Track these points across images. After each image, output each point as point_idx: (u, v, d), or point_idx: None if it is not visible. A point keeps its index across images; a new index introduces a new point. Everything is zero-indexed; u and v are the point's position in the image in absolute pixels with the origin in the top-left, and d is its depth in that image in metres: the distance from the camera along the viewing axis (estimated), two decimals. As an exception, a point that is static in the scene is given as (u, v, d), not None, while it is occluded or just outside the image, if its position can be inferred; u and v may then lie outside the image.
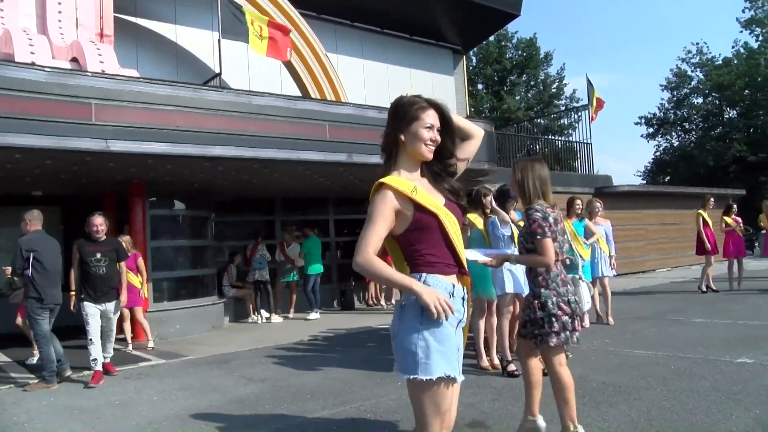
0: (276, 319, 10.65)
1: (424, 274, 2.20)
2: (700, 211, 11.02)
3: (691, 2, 69.91)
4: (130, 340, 8.17)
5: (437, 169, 2.34)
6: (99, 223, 6.46)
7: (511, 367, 5.42)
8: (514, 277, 5.53)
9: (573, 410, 3.45)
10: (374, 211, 2.17)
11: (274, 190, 11.49)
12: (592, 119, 18.64)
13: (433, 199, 2.24)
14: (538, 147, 22.41)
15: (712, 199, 11.20)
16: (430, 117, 2.27)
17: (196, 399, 5.26)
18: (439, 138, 2.28)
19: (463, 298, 2.25)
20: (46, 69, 6.86)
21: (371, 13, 15.13)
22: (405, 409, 4.46)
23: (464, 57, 18.54)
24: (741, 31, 37.25)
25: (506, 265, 5.41)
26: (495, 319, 5.85)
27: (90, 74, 7.24)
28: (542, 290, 3.48)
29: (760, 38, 35.07)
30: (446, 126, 2.31)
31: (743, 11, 35.70)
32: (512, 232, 5.71)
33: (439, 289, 2.13)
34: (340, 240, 13.15)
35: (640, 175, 41.89)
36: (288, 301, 11.30)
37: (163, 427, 4.43)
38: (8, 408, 5.25)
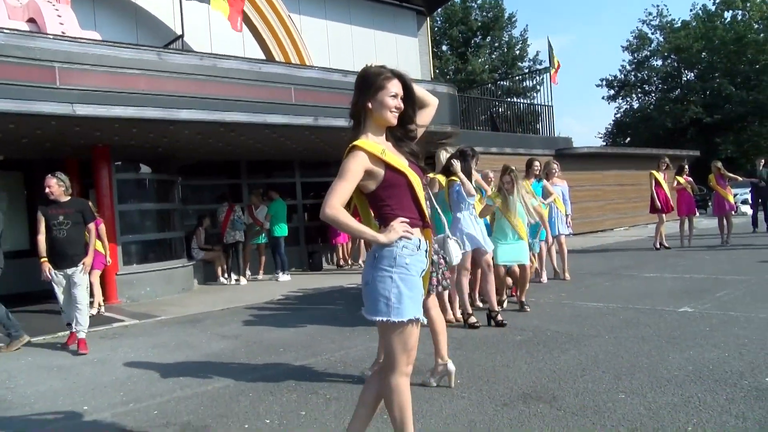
0: (244, 281, 10.85)
1: None
2: (653, 171, 11.54)
3: (653, -37, 70.26)
4: (99, 304, 8.20)
5: (399, 134, 2.56)
6: (50, 184, 5.88)
7: (472, 320, 5.76)
8: (469, 237, 5.79)
9: (441, 348, 4.01)
10: (346, 168, 2.37)
11: (240, 153, 11.55)
12: (553, 81, 18.97)
13: (399, 160, 2.48)
14: (501, 109, 22.73)
15: (666, 160, 11.70)
16: (395, 86, 2.47)
17: (172, 355, 5.48)
18: (402, 105, 2.50)
19: (425, 251, 2.50)
20: (4, 30, 6.77)
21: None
22: (372, 359, 4.78)
23: (428, 18, 18.54)
24: (699, -7, 37.90)
25: (461, 226, 5.73)
26: (455, 276, 6.17)
27: (51, 36, 7.17)
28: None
29: (717, 1, 35.73)
30: (408, 95, 2.53)
31: (702, -26, 36.26)
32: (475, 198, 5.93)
33: (409, 242, 2.41)
34: (306, 202, 13.32)
35: (601, 137, 42.85)
36: (257, 263, 11.50)
37: (142, 380, 4.65)
38: (-14, 368, 5.40)
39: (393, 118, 2.49)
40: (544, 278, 8.39)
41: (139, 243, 9.65)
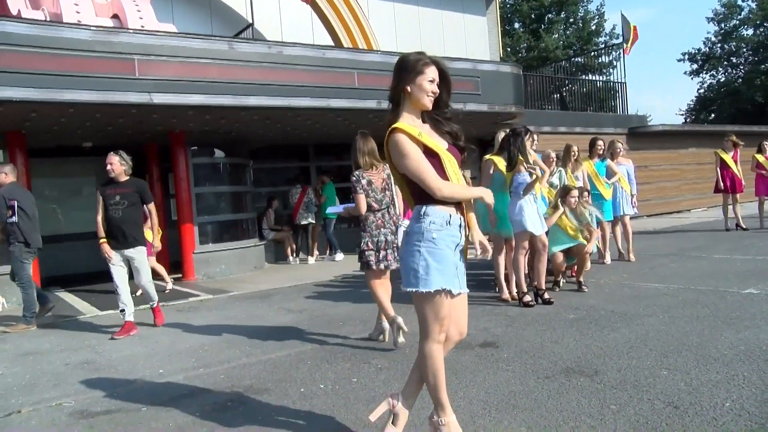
0: (312, 260, 11.29)
1: (424, 207, 2.60)
2: (718, 150, 11.20)
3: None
4: (168, 281, 8.61)
5: (435, 116, 2.74)
6: (112, 161, 5.92)
7: (527, 298, 5.86)
8: (532, 218, 5.88)
9: (387, 309, 4.83)
10: (405, 150, 2.55)
11: (308, 137, 11.94)
12: (626, 52, 18.30)
13: (435, 142, 2.64)
14: (573, 87, 22.15)
15: (733, 138, 11.19)
16: (432, 72, 2.64)
17: (241, 327, 5.90)
18: (438, 90, 2.67)
19: (460, 226, 2.64)
20: (91, 28, 7.36)
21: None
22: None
23: (496, -4, 18.26)
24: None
25: (523, 205, 5.82)
26: (512, 254, 6.27)
27: (131, 31, 7.72)
28: (362, 233, 4.82)
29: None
30: (444, 81, 2.70)
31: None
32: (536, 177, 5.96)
33: (436, 218, 2.57)
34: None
35: (682, 114, 40.85)
36: (322, 245, 11.92)
37: (212, 348, 5.07)
38: (78, 335, 6.00)
39: (429, 102, 2.66)
40: (608, 259, 8.30)
41: (214, 223, 10.24)
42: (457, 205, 2.66)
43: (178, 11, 12.24)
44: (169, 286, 8.57)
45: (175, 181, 9.91)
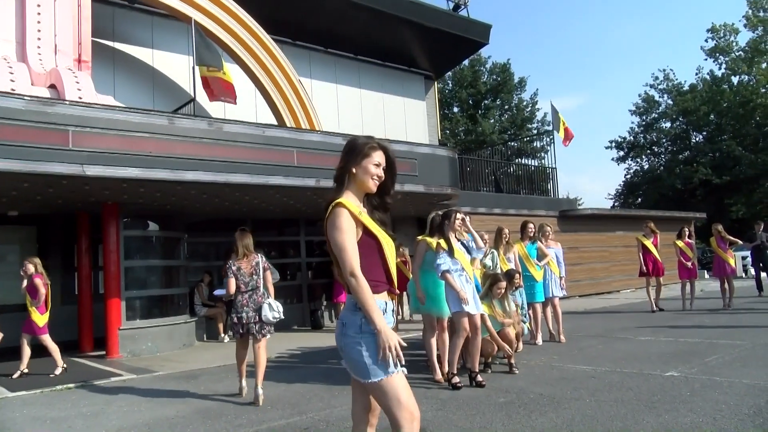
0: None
1: None
2: (639, 236, 11.96)
3: (657, 30, 72.26)
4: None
5: (375, 202, 2.76)
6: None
7: (455, 380, 5.85)
8: (474, 297, 5.97)
9: (241, 373, 6.15)
10: (341, 225, 2.53)
11: (246, 212, 11.88)
12: (565, 143, 19.29)
13: (374, 223, 2.65)
14: (509, 170, 23.08)
15: (651, 224, 11.95)
16: (379, 156, 2.69)
17: (164, 409, 5.62)
18: (383, 175, 2.71)
19: (392, 311, 2.70)
20: (25, 97, 7.25)
21: (345, 40, 15.73)
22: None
23: (435, 83, 19.19)
24: (705, 59, 38.75)
25: (467, 286, 5.91)
26: (446, 335, 6.31)
27: (68, 102, 7.64)
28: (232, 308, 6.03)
29: (724, 66, 36.46)
30: (390, 167, 2.75)
31: (706, 41, 37.14)
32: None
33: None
34: (311, 260, 13.54)
35: (611, 198, 43.04)
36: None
37: (131, 435, 4.79)
38: (-17, 420, 5.57)
39: (373, 185, 2.68)
40: (539, 340, 8.44)
41: (143, 298, 9.90)
42: (389, 291, 2.67)
43: (120, 82, 12.27)
44: (58, 370, 7.80)
45: (105, 253, 9.60)
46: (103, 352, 9.33)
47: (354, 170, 2.67)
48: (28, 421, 5.42)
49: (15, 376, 7.54)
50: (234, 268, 5.91)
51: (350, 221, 2.55)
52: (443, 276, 5.94)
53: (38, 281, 7.78)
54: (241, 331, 5.88)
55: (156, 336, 9.65)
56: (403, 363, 2.54)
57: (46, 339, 7.84)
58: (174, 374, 7.63)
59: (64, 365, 7.94)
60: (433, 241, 6.23)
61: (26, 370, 7.69)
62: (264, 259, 6.16)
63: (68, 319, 11.14)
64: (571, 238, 16.48)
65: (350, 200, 2.63)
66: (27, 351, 7.78)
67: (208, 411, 5.49)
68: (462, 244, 6.35)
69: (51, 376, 7.66)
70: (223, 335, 10.97)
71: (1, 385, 7.26)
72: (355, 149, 2.70)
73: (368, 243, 2.59)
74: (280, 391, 6.18)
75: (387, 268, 2.65)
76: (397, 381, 2.51)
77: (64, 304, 11.85)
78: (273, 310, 5.89)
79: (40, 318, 7.80)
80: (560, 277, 8.79)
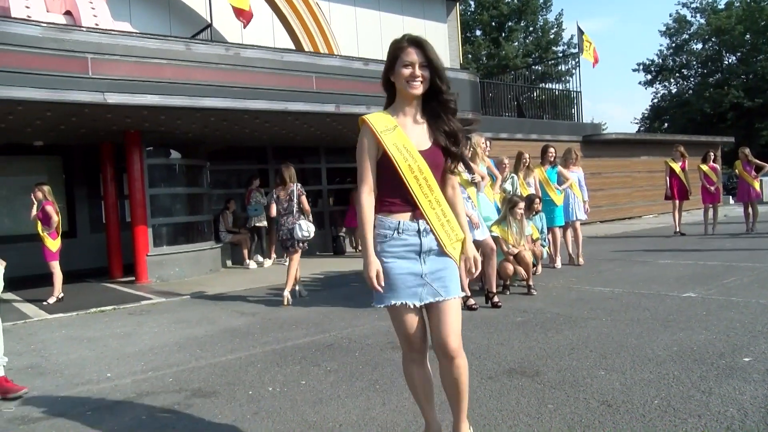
0: (269, 263, 11.24)
1: (376, 216, 2.50)
2: (667, 160, 11.76)
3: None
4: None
5: (435, 106, 2.49)
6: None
7: (470, 302, 5.97)
8: (481, 223, 6.02)
9: (288, 282, 6.93)
10: (360, 144, 2.45)
11: (267, 139, 11.90)
12: (594, 64, 18.73)
13: (406, 140, 2.43)
14: (532, 95, 22.60)
15: (681, 148, 11.72)
16: (409, 55, 2.42)
17: (192, 329, 5.86)
18: (420, 74, 2.42)
19: (419, 231, 2.44)
20: (42, 24, 7.19)
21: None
22: (376, 336, 5.07)
23: (457, 4, 18.54)
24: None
25: (473, 212, 5.95)
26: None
27: (84, 29, 7.58)
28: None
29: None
30: (430, 63, 2.44)
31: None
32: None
33: (382, 228, 2.45)
34: (332, 187, 13.63)
35: (637, 123, 42.10)
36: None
37: (163, 351, 5.03)
38: (25, 338, 5.87)
39: (412, 89, 2.43)
40: (558, 263, 8.53)
41: (168, 225, 10.11)
42: (416, 207, 2.46)
43: (135, 10, 12.06)
44: (52, 299, 7.85)
45: (129, 182, 9.76)
46: (133, 278, 9.65)
47: (392, 78, 2.49)
48: (67, 341, 5.71)
49: (51, 301, 7.85)
50: (275, 195, 7.19)
51: (368, 139, 2.43)
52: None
53: (49, 208, 7.89)
54: (282, 246, 7.19)
55: (183, 262, 9.93)
56: (427, 294, 2.44)
57: (55, 265, 7.94)
58: (201, 297, 7.90)
59: (62, 295, 7.96)
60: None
61: (61, 295, 7.99)
62: (299, 186, 7.18)
63: (97, 246, 11.54)
64: (594, 164, 16.28)
65: (378, 116, 2.48)
66: (59, 276, 8.03)
67: (235, 331, 5.71)
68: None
69: (44, 303, 7.77)
70: (248, 261, 11.23)
71: (41, 308, 7.60)
72: (388, 54, 2.50)
73: (386, 164, 2.43)
74: (304, 313, 6.39)
75: (406, 189, 2.43)
76: (398, 314, 2.47)
77: (93, 232, 12.25)
78: (302, 230, 6.93)
79: (53, 243, 7.94)
80: (583, 201, 8.75)
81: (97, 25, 8.60)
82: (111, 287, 9.38)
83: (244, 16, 11.67)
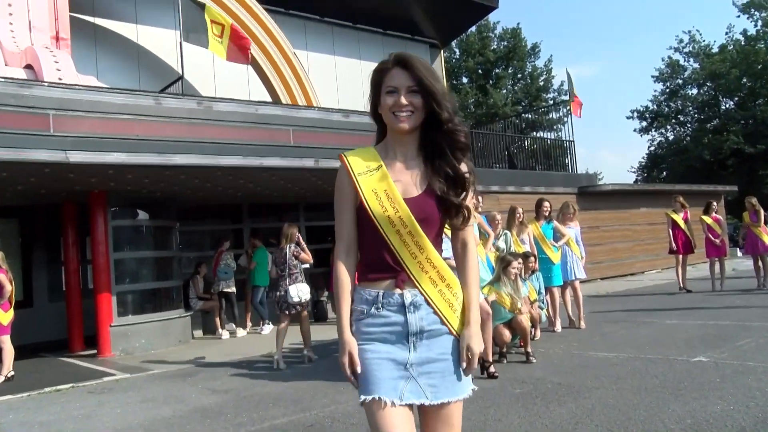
0: (242, 332, 11.03)
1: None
2: (668, 211, 11.91)
3: (687, -14, 71.35)
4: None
5: (439, 140, 2.12)
6: None
7: (492, 369, 5.93)
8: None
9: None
10: (336, 192, 2.14)
11: (241, 197, 11.91)
12: (575, 114, 19.17)
13: (389, 185, 2.09)
14: (524, 144, 22.99)
15: (680, 199, 11.93)
16: (394, 78, 2.09)
17: (159, 410, 5.70)
18: (407, 102, 2.07)
19: (404, 306, 2.06)
20: (0, 79, 7.25)
21: (342, 7, 15.61)
22: (361, 414, 4.93)
23: (441, 51, 19.10)
24: (738, 16, 38.29)
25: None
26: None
27: (46, 84, 7.64)
28: None
29: (760, 23, 35.92)
30: (421, 84, 2.07)
31: (740, -5, 36.54)
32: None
33: (358, 304, 2.10)
34: (313, 247, 13.56)
35: (634, 172, 42.82)
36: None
37: (125, 437, 4.87)
38: (-31, 424, 5.66)
39: (398, 122, 2.08)
40: (558, 327, 8.49)
41: (135, 292, 9.96)
42: (400, 272, 2.08)
43: (102, 63, 12.24)
44: (0, 379, 7.54)
45: (93, 246, 9.67)
46: (94, 351, 9.43)
47: (379, 110, 2.16)
48: (15, 427, 5.51)
49: None
50: (272, 257, 8.01)
51: (345, 182, 2.12)
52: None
53: (1, 276, 7.75)
54: (279, 309, 7.71)
55: (149, 332, 9.74)
56: (383, 393, 2.00)
57: (5, 340, 7.66)
58: (169, 372, 7.72)
59: (12, 373, 7.68)
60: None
61: (12, 373, 7.74)
62: (293, 247, 7.70)
63: (56, 316, 11.28)
64: (591, 217, 16.45)
65: (362, 153, 2.17)
66: (10, 351, 7.79)
67: (206, 410, 5.56)
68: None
69: None
70: (220, 330, 11.04)
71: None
72: (371, 80, 2.17)
73: (363, 215, 2.11)
74: (282, 388, 6.24)
75: (387, 249, 2.07)
76: (366, 411, 2.03)
77: (52, 301, 12.00)
78: (291, 297, 7.45)
79: (4, 316, 7.73)
80: (581, 258, 8.79)
81: (60, 79, 8.69)
82: (70, 362, 9.14)
83: (242, 51, 11.81)
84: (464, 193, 2.12)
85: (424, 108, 2.08)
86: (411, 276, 2.08)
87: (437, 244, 2.13)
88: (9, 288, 7.78)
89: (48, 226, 11.95)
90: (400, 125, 2.09)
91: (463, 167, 2.13)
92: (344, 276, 2.13)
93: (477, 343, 2.08)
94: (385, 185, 2.09)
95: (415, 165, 2.14)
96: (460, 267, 2.19)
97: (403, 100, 2.07)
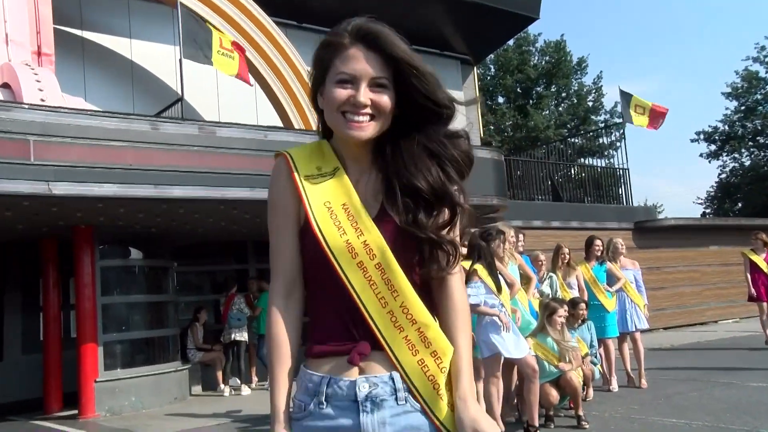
0: (246, 390, 10.91)
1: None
2: (745, 251, 11.60)
3: (758, -8, 71.25)
4: None
5: (433, 148, 1.64)
6: None
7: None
8: (506, 337, 5.91)
9: None
10: (268, 206, 1.71)
11: (247, 233, 11.95)
12: (652, 126, 18.70)
13: (350, 195, 1.62)
14: (570, 172, 22.87)
15: (762, 236, 11.55)
16: (350, 62, 1.59)
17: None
18: (365, 101, 1.57)
19: (356, 400, 1.55)
20: (-25, 101, 7.41)
21: (362, 20, 15.77)
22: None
23: (474, 68, 19.23)
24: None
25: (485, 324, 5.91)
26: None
27: (27, 106, 7.78)
28: None
29: None
30: (400, 65, 1.61)
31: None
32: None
33: (298, 392, 1.64)
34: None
35: (701, 203, 42.26)
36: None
37: None
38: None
39: (351, 130, 1.58)
40: (615, 385, 8.30)
41: (124, 342, 9.97)
42: (359, 340, 1.57)
43: (92, 80, 12.47)
44: None
45: (77, 289, 9.70)
46: (75, 411, 9.37)
47: (319, 102, 1.68)
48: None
49: None
50: None
51: (282, 189, 1.66)
52: (472, 310, 5.91)
53: None
54: None
55: (141, 389, 9.70)
56: None
57: None
58: (162, 436, 7.66)
59: None
60: (465, 264, 6.23)
61: None
62: None
63: (31, 371, 11.24)
64: (650, 256, 16.23)
65: (311, 148, 1.73)
66: None
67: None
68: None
69: None
70: (222, 386, 10.97)
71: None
72: (314, 58, 1.70)
73: (308, 245, 1.62)
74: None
75: (342, 296, 1.57)
76: None
77: (27, 352, 11.97)
78: None
79: None
80: (644, 305, 8.62)
81: (43, 100, 8.82)
82: (44, 426, 9.10)
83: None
84: (450, 220, 1.63)
85: (397, 108, 1.62)
86: (379, 337, 1.55)
87: (415, 279, 1.61)
88: None
89: (24, 265, 12.00)
90: (352, 133, 1.59)
91: (455, 183, 1.64)
92: (280, 334, 1.62)
93: (488, 425, 1.53)
94: (344, 196, 1.62)
95: (373, 177, 1.67)
96: (444, 322, 1.63)
97: (362, 98, 1.56)
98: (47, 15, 11.13)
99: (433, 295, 1.65)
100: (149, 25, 13.20)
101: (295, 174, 1.63)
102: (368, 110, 1.58)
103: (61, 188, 7.48)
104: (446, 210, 1.62)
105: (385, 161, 1.64)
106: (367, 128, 1.59)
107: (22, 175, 7.24)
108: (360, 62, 1.58)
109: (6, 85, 9.60)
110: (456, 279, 1.65)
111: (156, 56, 13.22)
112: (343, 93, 1.57)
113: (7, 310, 12.17)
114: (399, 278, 1.56)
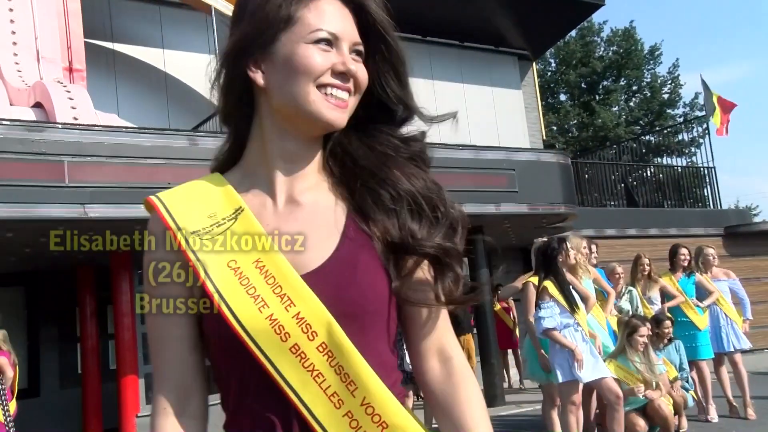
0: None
1: None
2: None
3: None
4: None
5: (380, 147, 1.34)
6: None
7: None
8: (588, 360, 5.82)
9: None
10: (144, 281, 1.31)
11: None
12: (719, 133, 18.54)
13: (262, 250, 1.24)
14: (648, 173, 22.45)
15: None
16: (328, 18, 1.26)
17: None
18: (352, 69, 1.27)
19: None
20: (4, 122, 7.58)
21: (410, 17, 15.79)
22: None
23: (534, 64, 19.05)
24: None
25: (583, 345, 5.82)
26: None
27: (60, 125, 7.96)
28: None
29: None
30: (377, 37, 1.32)
31: None
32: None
33: None
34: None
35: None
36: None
37: None
38: None
39: (332, 110, 1.25)
40: (713, 415, 8.02)
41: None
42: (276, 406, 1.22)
43: (124, 96, 12.69)
44: None
45: (116, 318, 9.85)
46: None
47: (261, 75, 1.28)
48: None
49: None
50: None
51: (157, 258, 1.29)
52: (546, 334, 5.86)
53: (3, 360, 7.86)
54: None
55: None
56: None
57: None
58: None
59: None
60: (534, 280, 6.22)
61: None
62: None
63: (69, 406, 11.45)
64: (745, 266, 15.75)
65: (190, 189, 1.39)
66: None
67: None
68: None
69: None
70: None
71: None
72: (249, 10, 1.29)
73: (216, 327, 1.25)
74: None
75: (276, 397, 1.22)
76: None
77: (63, 387, 12.20)
78: None
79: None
80: (744, 321, 8.37)
81: (76, 119, 9.01)
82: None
83: None
84: (455, 231, 1.30)
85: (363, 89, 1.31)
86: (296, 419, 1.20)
87: (385, 359, 1.27)
88: (11, 374, 7.91)
89: (59, 295, 12.23)
90: (333, 117, 1.25)
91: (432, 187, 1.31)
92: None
93: None
94: (255, 253, 1.24)
95: (321, 195, 1.32)
96: (445, 401, 1.30)
97: (353, 66, 1.26)
98: (77, 29, 11.33)
99: (417, 356, 1.35)
100: (183, 33, 13.39)
101: (176, 233, 1.25)
102: (351, 85, 1.27)
103: (96, 211, 7.63)
104: (443, 219, 1.28)
105: (344, 166, 1.33)
106: (346, 110, 1.28)
107: (57, 199, 7.41)
108: (340, 20, 1.27)
109: (39, 105, 9.83)
110: (463, 358, 1.35)
111: (191, 66, 13.40)
112: (325, 58, 1.24)
113: (43, 344, 12.40)
114: (355, 363, 1.19)
